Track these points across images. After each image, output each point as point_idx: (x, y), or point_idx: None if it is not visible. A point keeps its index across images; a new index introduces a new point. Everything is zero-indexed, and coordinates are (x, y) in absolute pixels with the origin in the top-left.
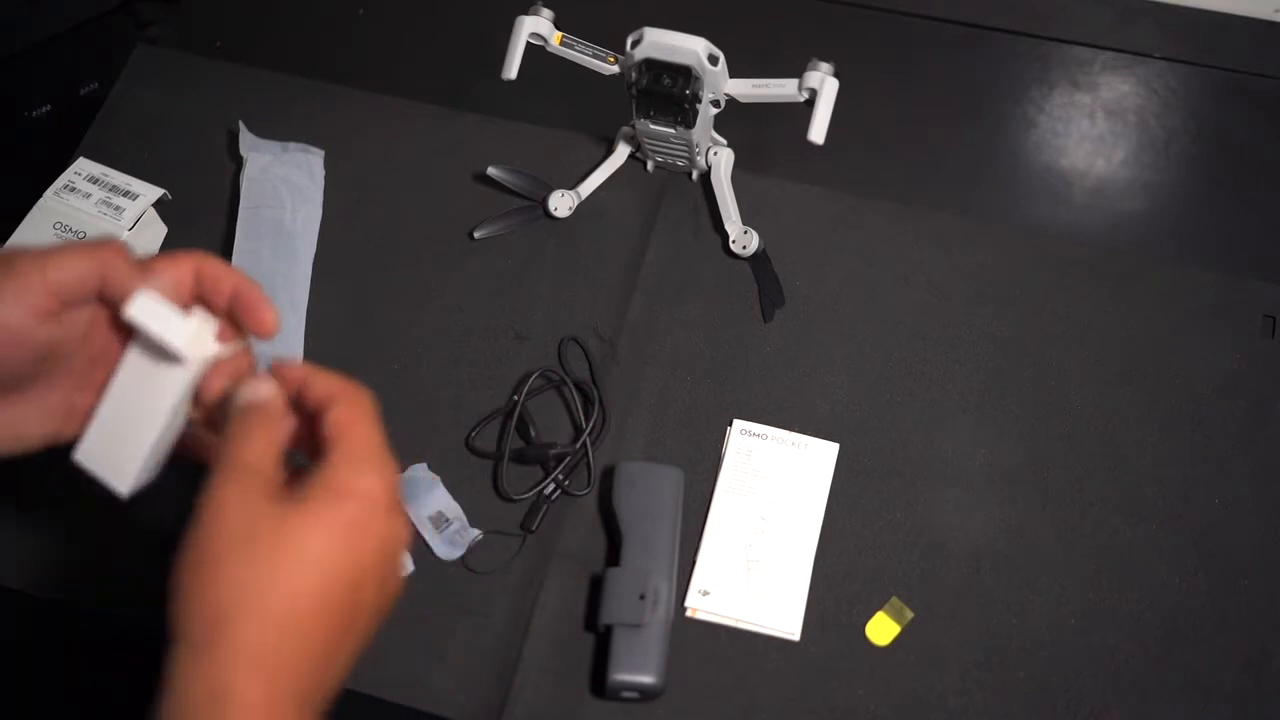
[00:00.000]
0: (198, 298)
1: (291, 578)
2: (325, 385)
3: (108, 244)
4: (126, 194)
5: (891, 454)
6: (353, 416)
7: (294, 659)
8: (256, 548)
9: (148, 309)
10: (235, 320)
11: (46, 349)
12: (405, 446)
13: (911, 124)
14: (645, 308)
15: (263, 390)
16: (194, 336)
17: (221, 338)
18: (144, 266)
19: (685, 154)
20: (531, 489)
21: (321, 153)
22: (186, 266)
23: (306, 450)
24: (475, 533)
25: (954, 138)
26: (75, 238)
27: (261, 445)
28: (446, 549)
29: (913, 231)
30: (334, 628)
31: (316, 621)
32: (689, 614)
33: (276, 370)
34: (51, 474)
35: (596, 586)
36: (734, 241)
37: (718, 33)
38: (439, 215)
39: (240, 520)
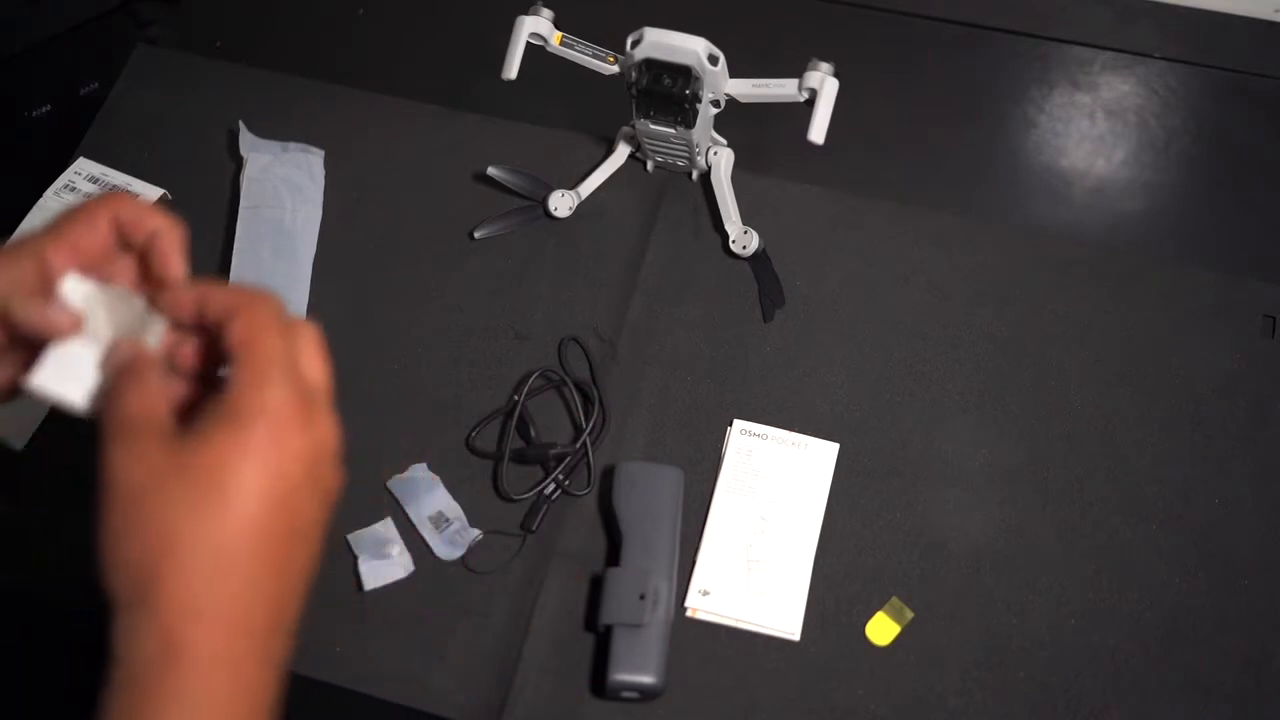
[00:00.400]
0: (121, 244)
1: (213, 514)
2: (222, 300)
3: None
4: (126, 193)
5: (891, 454)
6: (252, 328)
7: (238, 597)
8: (166, 494)
9: (49, 374)
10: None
11: None
12: (405, 446)
13: (911, 124)
14: (645, 308)
15: (124, 350)
16: (102, 382)
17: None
18: (55, 235)
19: (685, 154)
20: (531, 489)
21: (321, 153)
22: (101, 220)
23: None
24: (475, 533)
25: (954, 138)
26: None
27: (138, 397)
28: (446, 549)
29: (913, 231)
30: (275, 556)
31: (252, 554)
32: (689, 614)
33: (168, 300)
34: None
35: (596, 586)
36: (734, 241)
37: (718, 33)
38: (439, 215)
39: (138, 472)
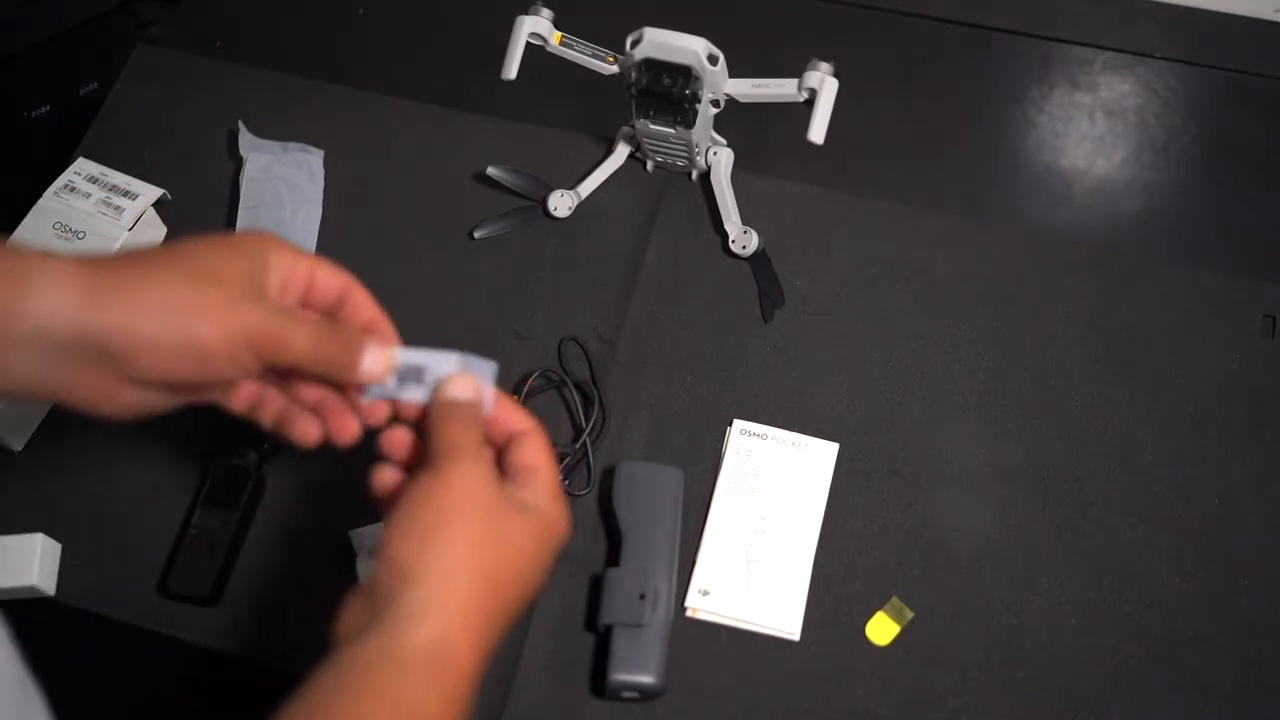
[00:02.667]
0: (326, 309)
1: (507, 561)
2: (520, 418)
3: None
4: (126, 194)
5: (891, 454)
6: (547, 454)
7: (493, 627)
8: (484, 525)
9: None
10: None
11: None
12: None
13: (911, 124)
14: (645, 308)
15: (467, 384)
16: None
17: None
18: (304, 259)
19: (685, 154)
20: None
21: (321, 153)
22: (342, 279)
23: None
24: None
25: (954, 138)
26: (75, 238)
27: (476, 430)
28: None
29: (913, 231)
30: (510, 611)
31: (510, 603)
32: (689, 614)
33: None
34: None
35: (596, 586)
36: (734, 241)
37: (718, 33)
38: (439, 215)
39: (473, 495)
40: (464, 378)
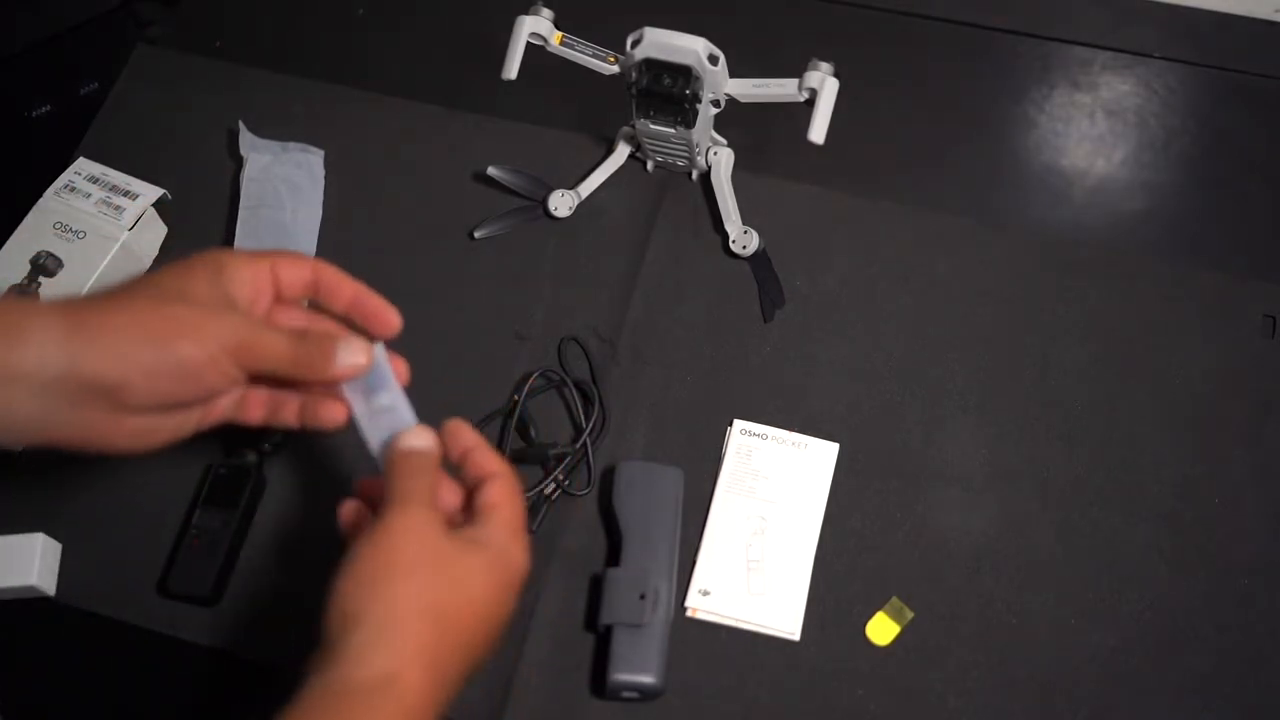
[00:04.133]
0: (311, 301)
1: (459, 599)
2: (490, 461)
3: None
4: (126, 194)
5: (891, 454)
6: (511, 494)
7: (449, 663)
8: (433, 566)
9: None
10: (352, 323)
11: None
12: None
13: (911, 124)
14: (645, 308)
15: (427, 439)
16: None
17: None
18: (261, 260)
19: (685, 154)
20: (532, 489)
21: (321, 153)
22: (308, 268)
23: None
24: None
25: (954, 137)
26: (75, 238)
27: (427, 480)
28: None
29: (913, 231)
30: (477, 648)
31: (469, 639)
32: (689, 614)
33: (453, 429)
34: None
35: (596, 586)
36: (734, 241)
37: (718, 33)
38: (439, 215)
39: (421, 540)
40: (422, 429)
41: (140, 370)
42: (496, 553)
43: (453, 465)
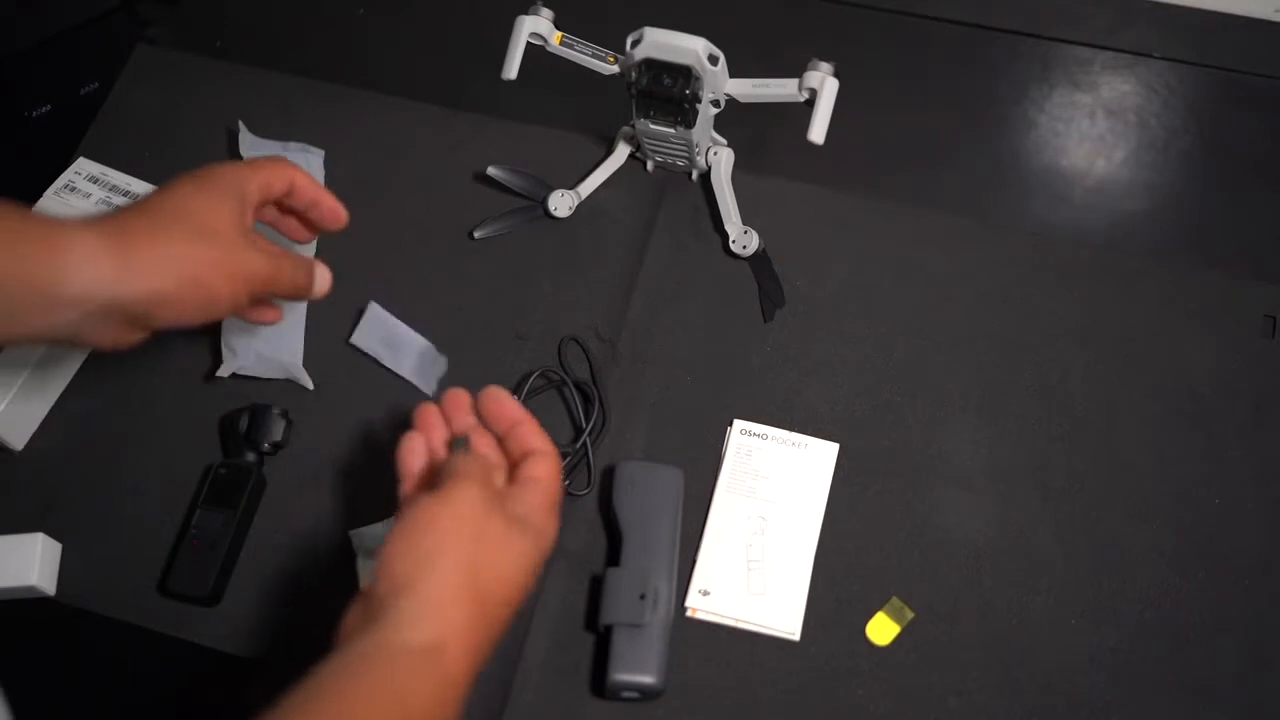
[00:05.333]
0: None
1: (499, 575)
2: (537, 438)
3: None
4: (126, 194)
5: (891, 454)
6: (554, 472)
7: (487, 637)
8: (486, 544)
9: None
10: (306, 219)
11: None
12: None
13: (911, 124)
14: (645, 308)
15: (472, 456)
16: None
17: (296, 235)
18: (259, 175)
19: (685, 154)
20: None
21: (322, 152)
22: (288, 176)
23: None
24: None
25: (954, 138)
26: None
27: (485, 465)
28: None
29: (913, 231)
30: (502, 618)
31: (503, 613)
32: (689, 614)
33: (496, 400)
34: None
35: (596, 586)
36: (734, 241)
37: (718, 33)
38: (439, 215)
39: (476, 519)
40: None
41: (173, 304)
42: (536, 533)
43: (498, 435)
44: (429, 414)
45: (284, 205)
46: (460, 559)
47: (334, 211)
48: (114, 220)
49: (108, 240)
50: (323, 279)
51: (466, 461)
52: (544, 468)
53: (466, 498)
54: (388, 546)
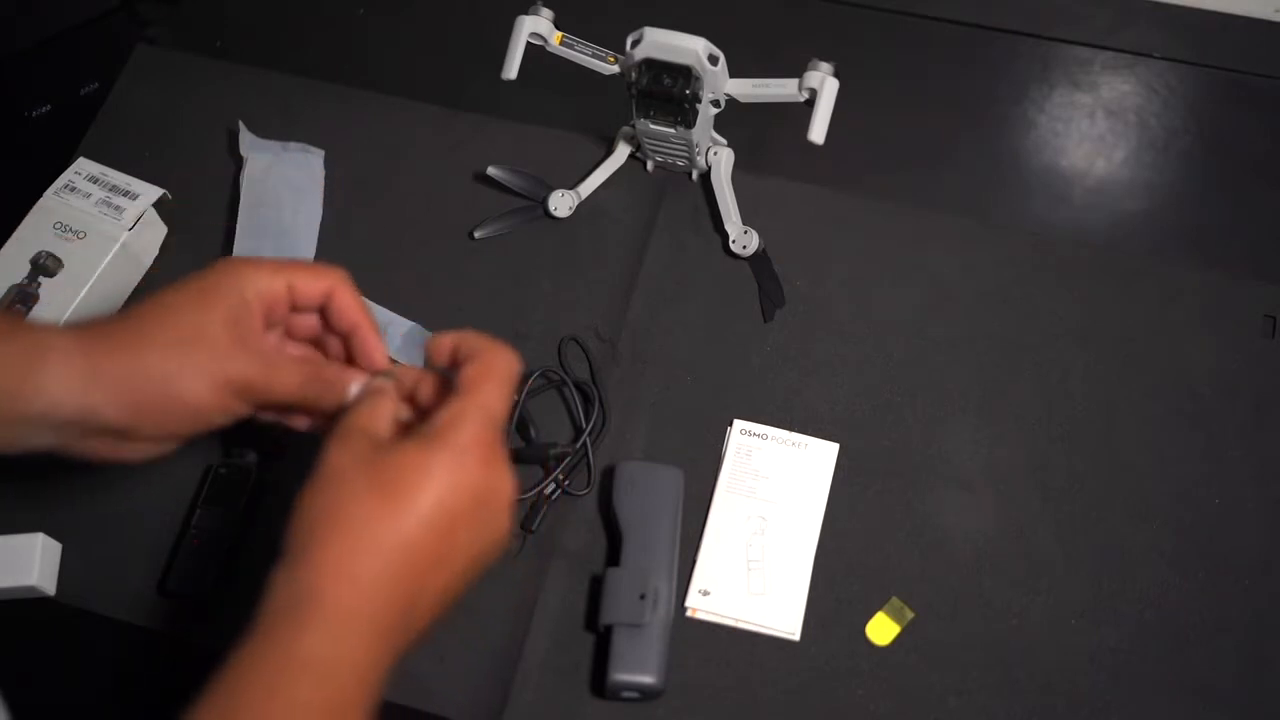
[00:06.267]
0: (313, 310)
1: (382, 506)
2: (469, 343)
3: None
4: (126, 194)
5: (891, 454)
6: (480, 374)
7: (377, 573)
8: (353, 482)
9: None
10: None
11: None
12: None
13: (911, 124)
14: (645, 308)
15: (377, 381)
16: None
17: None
18: (279, 275)
19: (685, 154)
20: (531, 489)
21: (321, 152)
22: (323, 287)
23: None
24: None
25: (954, 137)
26: (75, 238)
27: (365, 413)
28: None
29: (913, 231)
30: (421, 558)
31: (404, 550)
32: (689, 614)
33: (431, 343)
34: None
35: (596, 586)
36: (734, 241)
37: (718, 33)
38: (439, 215)
39: (342, 462)
40: (370, 378)
41: (150, 415)
42: (438, 443)
43: (447, 372)
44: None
45: (328, 323)
46: (323, 504)
47: (370, 348)
48: (95, 328)
49: (82, 348)
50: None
51: (340, 417)
52: (474, 370)
53: (327, 451)
54: None
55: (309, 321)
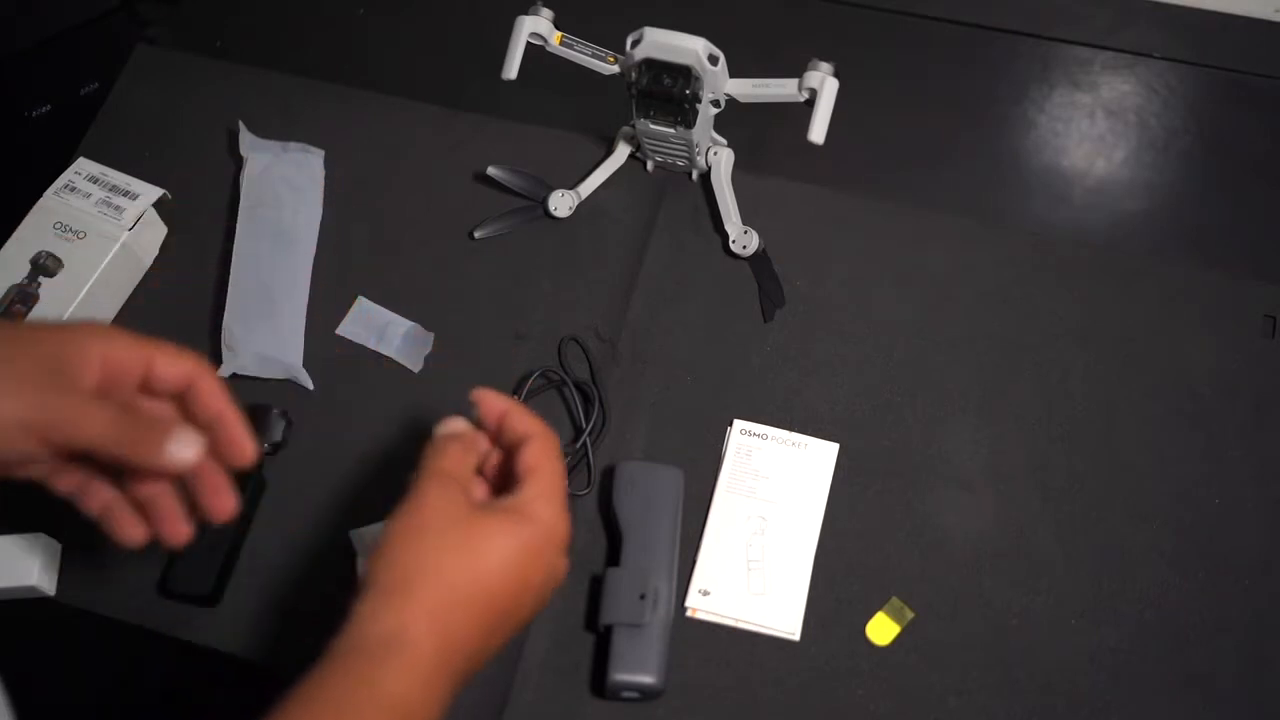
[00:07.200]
0: (177, 399)
1: (474, 565)
2: (524, 423)
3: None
4: (126, 194)
5: (891, 454)
6: (544, 455)
7: (461, 626)
8: (450, 535)
9: None
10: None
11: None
12: (405, 446)
13: (911, 124)
14: (645, 308)
15: (457, 424)
16: None
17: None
18: (139, 346)
19: (685, 154)
20: None
21: (321, 153)
22: (184, 370)
23: (497, 477)
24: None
25: (954, 137)
26: (75, 238)
27: (457, 458)
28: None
29: (913, 231)
30: (495, 615)
31: (485, 605)
32: (689, 614)
33: (480, 397)
34: None
35: (596, 586)
36: (734, 241)
37: (718, 33)
38: (439, 215)
39: (440, 511)
40: (454, 419)
41: None
42: (524, 517)
43: (491, 433)
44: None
45: (188, 413)
46: (424, 546)
47: (238, 444)
48: None
49: None
50: (180, 449)
51: (432, 457)
52: (535, 453)
53: (431, 491)
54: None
55: (160, 410)
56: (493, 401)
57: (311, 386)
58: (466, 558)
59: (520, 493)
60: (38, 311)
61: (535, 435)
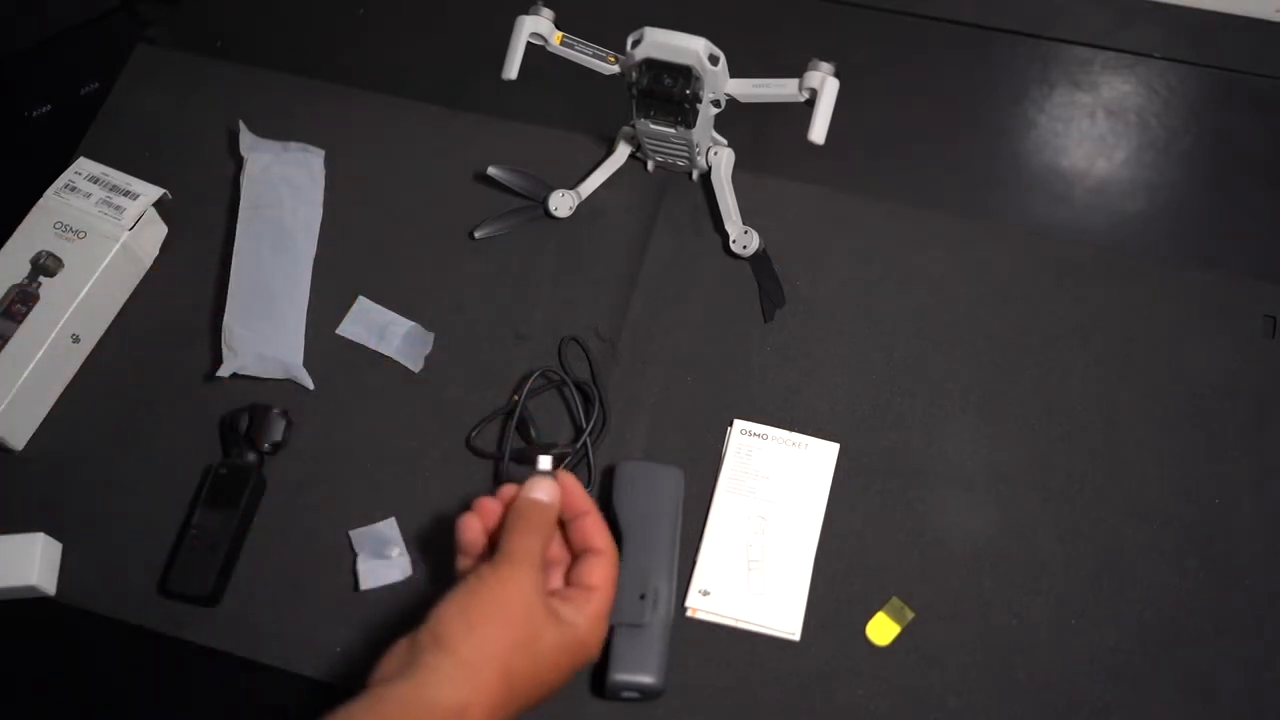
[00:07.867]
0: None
1: (533, 665)
2: (600, 537)
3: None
4: (127, 193)
5: (891, 454)
6: (608, 578)
7: (505, 711)
8: (522, 629)
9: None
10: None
11: None
12: (405, 447)
13: (911, 124)
14: (645, 308)
15: (550, 491)
16: None
17: None
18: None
19: (685, 154)
20: None
21: (322, 152)
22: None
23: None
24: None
25: (954, 138)
26: (76, 238)
27: (542, 548)
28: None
29: (913, 231)
30: (528, 703)
31: (527, 696)
32: (689, 614)
33: (567, 486)
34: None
35: None
36: (734, 241)
37: (718, 33)
38: (439, 215)
39: (523, 598)
40: (546, 480)
41: None
42: (579, 639)
43: (563, 521)
44: (487, 505)
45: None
46: (503, 634)
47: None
48: None
49: None
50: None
51: (525, 531)
52: (603, 572)
53: (521, 579)
54: (443, 603)
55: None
56: (579, 501)
57: (311, 386)
58: (529, 660)
59: (583, 608)
60: (38, 311)
61: (606, 552)
